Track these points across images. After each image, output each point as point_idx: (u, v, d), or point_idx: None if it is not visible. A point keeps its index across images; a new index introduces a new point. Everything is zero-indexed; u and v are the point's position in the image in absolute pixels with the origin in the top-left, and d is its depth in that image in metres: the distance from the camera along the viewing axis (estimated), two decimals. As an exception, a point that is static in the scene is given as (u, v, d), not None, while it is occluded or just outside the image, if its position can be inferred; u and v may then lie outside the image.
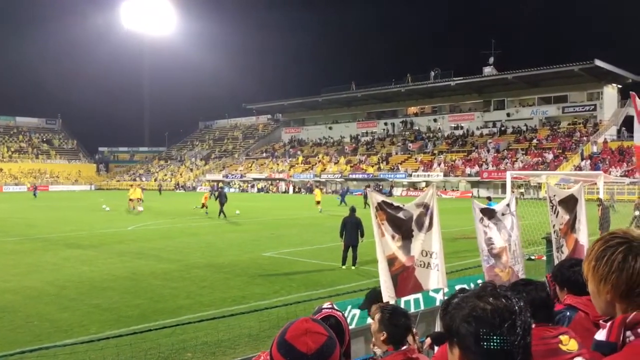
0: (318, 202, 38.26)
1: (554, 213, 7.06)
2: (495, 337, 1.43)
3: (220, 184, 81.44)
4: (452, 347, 1.52)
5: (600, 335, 1.60)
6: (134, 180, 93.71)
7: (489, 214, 6.56)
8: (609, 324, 1.59)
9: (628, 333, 1.54)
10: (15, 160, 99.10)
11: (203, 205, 34.11)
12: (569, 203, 7.22)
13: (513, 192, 21.76)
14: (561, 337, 2.57)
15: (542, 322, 2.72)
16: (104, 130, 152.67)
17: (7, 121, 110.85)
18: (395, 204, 6.28)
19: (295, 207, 40.93)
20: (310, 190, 74.32)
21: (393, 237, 6.14)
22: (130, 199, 38.33)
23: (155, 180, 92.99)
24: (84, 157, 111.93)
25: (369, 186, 62.84)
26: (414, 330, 3.94)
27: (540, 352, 2.49)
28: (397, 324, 3.40)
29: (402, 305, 7.76)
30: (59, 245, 20.10)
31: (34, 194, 60.36)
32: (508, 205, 6.74)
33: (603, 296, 1.64)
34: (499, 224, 6.55)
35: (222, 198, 32.43)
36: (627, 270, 1.58)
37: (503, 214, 6.60)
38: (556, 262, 7.03)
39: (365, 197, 41.46)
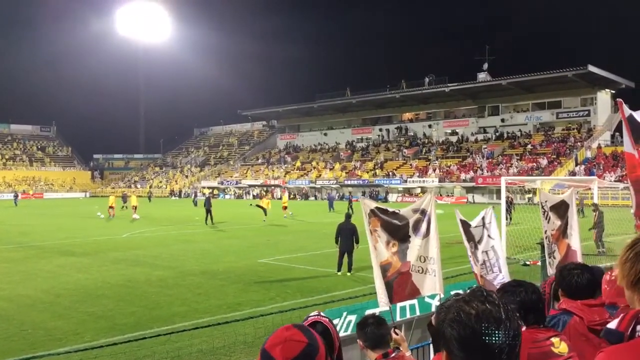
0: (285, 207, 38.27)
1: (546, 219, 7.09)
2: (477, 342, 1.43)
3: (216, 190, 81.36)
4: (441, 350, 1.55)
5: (612, 324, 1.66)
6: (129, 187, 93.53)
7: (463, 225, 6.60)
8: (621, 314, 1.66)
9: (639, 327, 1.59)
10: (10, 168, 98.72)
11: (264, 210, 34.04)
12: (560, 209, 7.24)
13: (508, 198, 21.81)
14: (553, 340, 2.59)
15: (534, 324, 2.73)
16: (98, 137, 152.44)
17: (1, 128, 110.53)
18: (390, 209, 6.29)
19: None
20: (306, 196, 74.37)
21: (388, 243, 6.15)
22: (111, 207, 38.08)
23: (151, 187, 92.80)
24: (78, 164, 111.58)
25: (351, 193, 63.08)
26: (398, 334, 3.97)
27: (534, 356, 2.51)
28: (364, 329, 3.50)
29: (398, 312, 7.77)
30: (53, 252, 20.02)
31: (15, 202, 58.24)
32: (483, 218, 6.72)
33: (623, 284, 1.72)
34: (469, 235, 6.57)
35: (208, 204, 32.42)
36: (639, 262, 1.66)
37: (476, 227, 6.60)
38: (549, 267, 7.05)
39: (350, 202, 41.57)
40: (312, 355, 1.71)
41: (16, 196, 62.63)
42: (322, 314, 2.90)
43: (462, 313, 1.47)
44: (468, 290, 1.59)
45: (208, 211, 32.02)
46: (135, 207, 38.22)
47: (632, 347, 1.53)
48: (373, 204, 6.28)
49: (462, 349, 1.45)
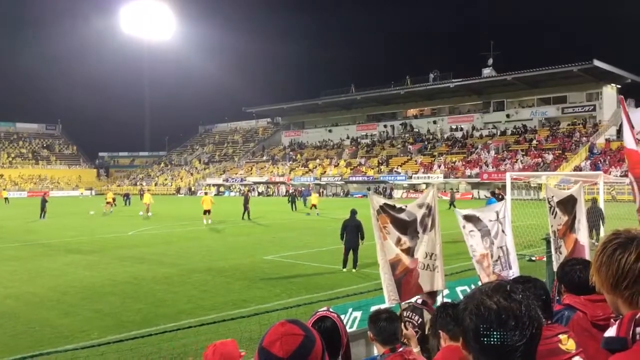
0: (108, 203, 41.42)
1: (552, 214, 7.03)
2: (493, 335, 1.45)
3: (222, 188, 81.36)
4: (459, 336, 1.59)
5: (610, 332, 1.61)
6: (134, 185, 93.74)
7: (472, 220, 6.48)
8: (618, 321, 1.61)
9: (638, 329, 1.55)
10: (16, 166, 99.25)
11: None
12: (568, 204, 7.18)
13: (503, 196, 21.73)
14: (560, 337, 2.58)
15: None
16: (104, 136, 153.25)
17: (7, 127, 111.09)
18: (398, 205, 6.23)
19: (297, 211, 40.90)
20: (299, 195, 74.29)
21: (399, 240, 6.05)
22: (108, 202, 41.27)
23: (156, 184, 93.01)
24: (84, 163, 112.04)
25: (296, 188, 63.49)
26: (408, 329, 3.96)
27: (541, 352, 2.50)
28: (377, 324, 3.50)
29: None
30: (60, 250, 20.10)
31: None
32: (497, 212, 6.64)
33: (604, 291, 1.71)
34: (483, 230, 6.47)
35: (245, 200, 33.52)
36: (614, 263, 1.65)
37: (490, 220, 6.51)
38: (555, 263, 7.01)
39: (293, 199, 42.09)
40: (310, 347, 1.74)
41: None
42: (331, 309, 2.91)
43: (483, 306, 1.49)
44: (493, 283, 1.60)
45: (245, 208, 32.93)
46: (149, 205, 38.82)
47: (638, 352, 1.49)
48: (382, 200, 6.21)
49: (477, 341, 1.47)
